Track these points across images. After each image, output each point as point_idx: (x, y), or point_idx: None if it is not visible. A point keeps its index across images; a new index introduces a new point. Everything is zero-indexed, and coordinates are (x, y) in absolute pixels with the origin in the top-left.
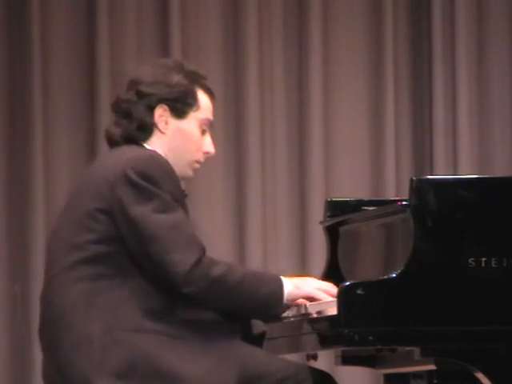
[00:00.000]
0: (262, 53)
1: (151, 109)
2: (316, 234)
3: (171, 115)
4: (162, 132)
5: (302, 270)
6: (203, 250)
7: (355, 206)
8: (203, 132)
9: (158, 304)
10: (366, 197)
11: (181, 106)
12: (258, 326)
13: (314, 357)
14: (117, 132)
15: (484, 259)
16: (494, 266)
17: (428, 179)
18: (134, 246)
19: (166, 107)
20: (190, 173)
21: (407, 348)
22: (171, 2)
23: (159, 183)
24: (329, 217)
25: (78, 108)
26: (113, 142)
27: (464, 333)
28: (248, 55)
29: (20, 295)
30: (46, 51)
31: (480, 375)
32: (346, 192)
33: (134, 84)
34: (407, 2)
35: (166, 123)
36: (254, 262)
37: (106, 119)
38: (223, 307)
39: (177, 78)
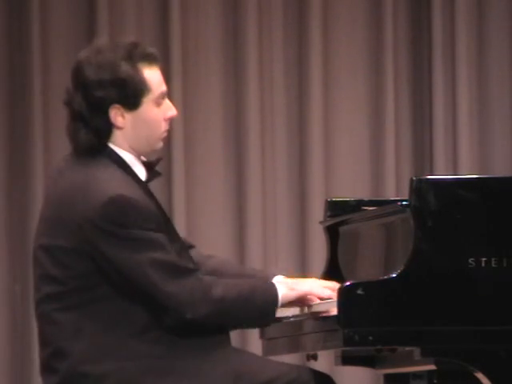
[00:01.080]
0: (261, 52)
1: (105, 112)
2: (316, 234)
3: (125, 110)
4: (120, 128)
5: (302, 270)
6: (195, 271)
7: (355, 206)
8: (160, 104)
9: (144, 321)
10: (366, 197)
11: (133, 99)
12: None
13: (314, 357)
14: (77, 140)
15: (484, 259)
16: (493, 266)
17: (428, 179)
18: (129, 291)
19: (118, 106)
20: (160, 145)
21: (407, 348)
22: (171, 1)
23: (128, 223)
24: (329, 217)
25: None
26: (78, 151)
27: (464, 333)
28: (248, 54)
29: (20, 295)
30: (46, 51)
31: (480, 375)
32: (346, 192)
33: (80, 84)
34: (407, 1)
35: (123, 117)
36: (254, 262)
37: None
38: (226, 324)
39: (121, 71)
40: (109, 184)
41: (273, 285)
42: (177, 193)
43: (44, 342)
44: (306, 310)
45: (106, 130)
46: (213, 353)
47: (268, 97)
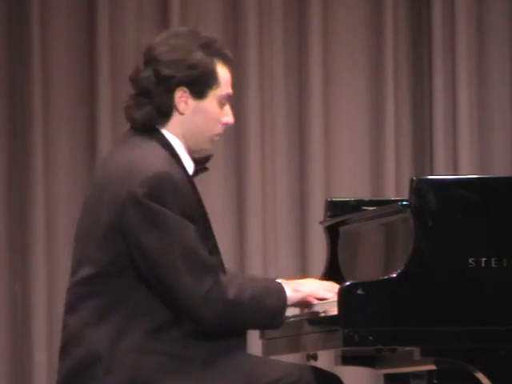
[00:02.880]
0: (261, 52)
1: (171, 91)
2: (316, 234)
3: (191, 96)
4: (181, 113)
5: (302, 270)
6: (216, 271)
7: (355, 206)
8: (222, 105)
9: (165, 319)
10: (366, 197)
11: (201, 87)
12: None
13: (314, 357)
14: (138, 115)
15: (484, 259)
16: (494, 265)
17: (428, 179)
18: (145, 272)
19: (185, 89)
20: (208, 146)
21: (407, 348)
22: (171, 2)
23: (169, 203)
24: (329, 217)
25: (78, 108)
26: (134, 126)
27: (464, 333)
28: (248, 54)
29: (20, 295)
30: (46, 51)
31: (480, 375)
32: (346, 192)
33: (152, 61)
34: (407, 1)
35: (186, 103)
36: (254, 262)
37: (106, 119)
38: (238, 326)
39: (197, 57)
40: (155, 162)
41: (282, 288)
42: None
43: (66, 326)
44: (306, 310)
45: (168, 109)
46: (225, 357)
47: (268, 97)
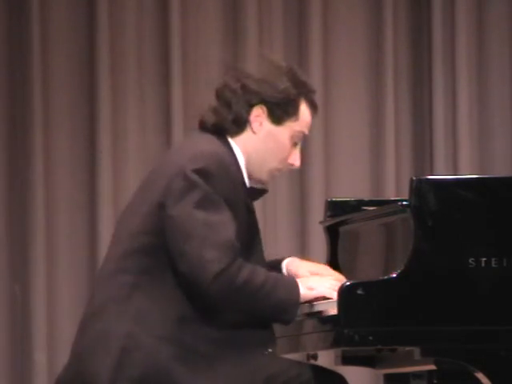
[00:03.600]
0: (261, 53)
1: (250, 106)
2: (316, 234)
3: (267, 118)
4: (253, 132)
5: None
6: (236, 253)
7: (355, 206)
8: (294, 144)
9: (188, 309)
10: (366, 197)
11: (280, 112)
12: None
13: (314, 357)
14: (211, 119)
15: (484, 259)
16: (494, 266)
17: (428, 179)
18: (170, 240)
19: (265, 109)
20: (266, 179)
21: (407, 348)
22: (171, 2)
23: (214, 182)
24: (329, 217)
25: (78, 107)
26: (203, 128)
27: (464, 333)
28: (248, 54)
29: (20, 295)
30: (46, 50)
31: (480, 375)
32: (346, 192)
33: (242, 76)
34: (407, 1)
35: (260, 124)
36: None
37: (106, 119)
38: (243, 311)
39: (285, 85)
40: (214, 146)
41: (296, 283)
42: None
43: (90, 303)
44: (307, 309)
45: (242, 122)
46: (240, 357)
47: None
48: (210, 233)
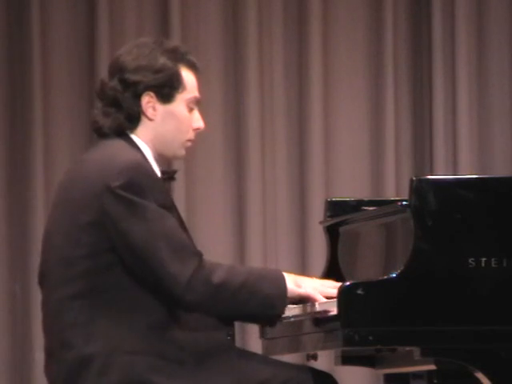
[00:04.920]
0: (261, 52)
1: (138, 97)
2: (316, 234)
3: (158, 101)
4: (150, 119)
5: (302, 270)
6: (200, 256)
7: (355, 206)
8: (191, 109)
9: (156, 318)
10: (365, 197)
11: (167, 90)
12: None
13: (314, 357)
14: (106, 123)
15: (484, 259)
16: (493, 266)
17: (428, 179)
18: (130, 260)
19: (152, 94)
20: (182, 152)
21: (407, 348)
22: (171, 3)
23: (145, 193)
24: (329, 217)
25: (77, 107)
26: (101, 134)
27: (464, 333)
28: (248, 54)
29: (20, 295)
30: (46, 51)
31: (480, 375)
32: (346, 192)
33: (117, 70)
34: (407, 1)
35: (154, 109)
36: (254, 262)
37: None
38: (227, 312)
39: (161, 61)
40: (128, 155)
41: (282, 276)
42: (177, 193)
43: (52, 331)
44: (308, 309)
45: (136, 115)
46: (217, 359)
47: (268, 97)
48: (166, 245)
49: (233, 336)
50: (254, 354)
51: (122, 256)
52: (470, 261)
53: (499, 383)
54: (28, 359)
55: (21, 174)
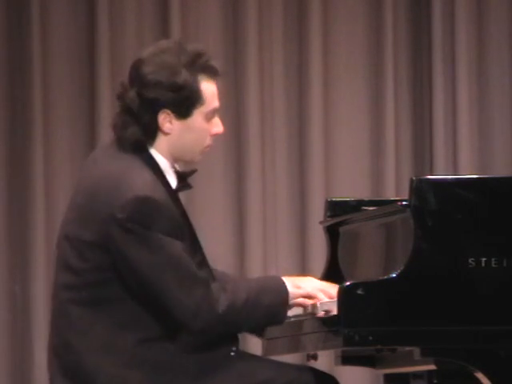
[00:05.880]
0: (261, 52)
1: (155, 113)
2: (316, 234)
3: (175, 117)
4: (166, 133)
5: (302, 270)
6: (206, 283)
7: (355, 206)
8: (209, 119)
9: (152, 333)
10: (366, 197)
11: (185, 107)
12: None
13: (314, 357)
14: (124, 134)
15: (484, 259)
16: (494, 266)
17: (428, 179)
18: (135, 287)
19: (169, 111)
20: (198, 158)
21: (407, 348)
22: (171, 3)
23: (150, 224)
24: (329, 217)
25: (78, 107)
26: (121, 146)
27: (464, 333)
28: (248, 54)
29: (20, 295)
30: (46, 51)
31: (480, 375)
32: (346, 192)
33: (136, 81)
34: (407, 1)
35: (171, 123)
36: (254, 262)
37: (106, 119)
38: (234, 331)
39: (180, 78)
40: (138, 183)
41: (282, 282)
42: None
43: (55, 331)
44: (309, 309)
45: (153, 130)
46: (215, 370)
47: (268, 97)
48: (171, 274)
49: (237, 351)
50: (254, 356)
51: (127, 279)
52: (470, 261)
53: (499, 383)
54: (28, 359)
55: (21, 174)
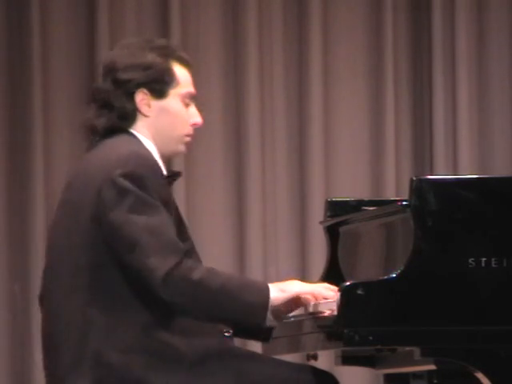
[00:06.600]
0: (261, 52)
1: (131, 95)
2: (316, 234)
3: (152, 97)
4: (145, 115)
5: (302, 270)
6: (182, 254)
7: (355, 206)
8: (187, 105)
9: (150, 316)
10: (366, 197)
11: (160, 86)
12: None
13: (314, 357)
14: (100, 123)
15: (484, 259)
16: (494, 266)
17: (428, 179)
18: (116, 250)
19: (145, 91)
20: (182, 148)
21: (407, 348)
22: (171, 3)
23: (144, 183)
24: (329, 217)
25: (78, 107)
26: (97, 134)
27: (464, 333)
28: (248, 54)
29: (20, 295)
30: (46, 51)
31: (480, 375)
32: (346, 192)
33: (108, 71)
34: (407, 1)
35: (149, 106)
36: (254, 262)
37: None
38: (205, 313)
39: (151, 57)
40: (132, 147)
41: (266, 287)
42: (177, 193)
43: (54, 320)
44: (311, 308)
45: (131, 113)
46: (215, 357)
47: (268, 97)
48: (151, 238)
49: (231, 335)
50: (254, 353)
51: (111, 247)
52: (470, 261)
53: (499, 383)
54: (28, 359)
55: (21, 174)
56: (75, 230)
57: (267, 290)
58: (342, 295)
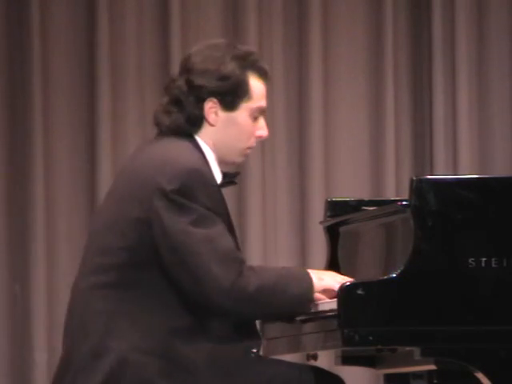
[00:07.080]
0: (261, 53)
1: (201, 101)
2: (316, 234)
3: (221, 107)
4: (211, 125)
5: None
6: (242, 263)
7: (355, 206)
8: (255, 118)
9: (179, 324)
10: (365, 197)
11: (231, 98)
12: None
13: (314, 357)
14: (165, 121)
15: (484, 259)
16: (494, 266)
17: (428, 179)
18: (170, 260)
19: (215, 100)
20: (240, 159)
21: (407, 348)
22: (171, 3)
23: (196, 197)
24: (329, 217)
25: (78, 107)
26: (160, 130)
27: (464, 333)
28: None
29: (20, 295)
30: (46, 51)
31: (480, 375)
32: (346, 192)
33: (186, 69)
34: (407, 1)
35: (216, 115)
36: (254, 262)
37: (106, 119)
38: (257, 315)
39: (230, 67)
40: (188, 158)
41: (307, 274)
42: None
43: (74, 312)
44: (312, 308)
45: (198, 120)
46: (229, 364)
47: (268, 97)
48: (212, 248)
49: (257, 353)
50: (268, 359)
51: (163, 256)
52: (470, 261)
53: (499, 383)
54: (28, 359)
55: (21, 174)
56: (116, 228)
57: (310, 278)
58: (341, 295)
